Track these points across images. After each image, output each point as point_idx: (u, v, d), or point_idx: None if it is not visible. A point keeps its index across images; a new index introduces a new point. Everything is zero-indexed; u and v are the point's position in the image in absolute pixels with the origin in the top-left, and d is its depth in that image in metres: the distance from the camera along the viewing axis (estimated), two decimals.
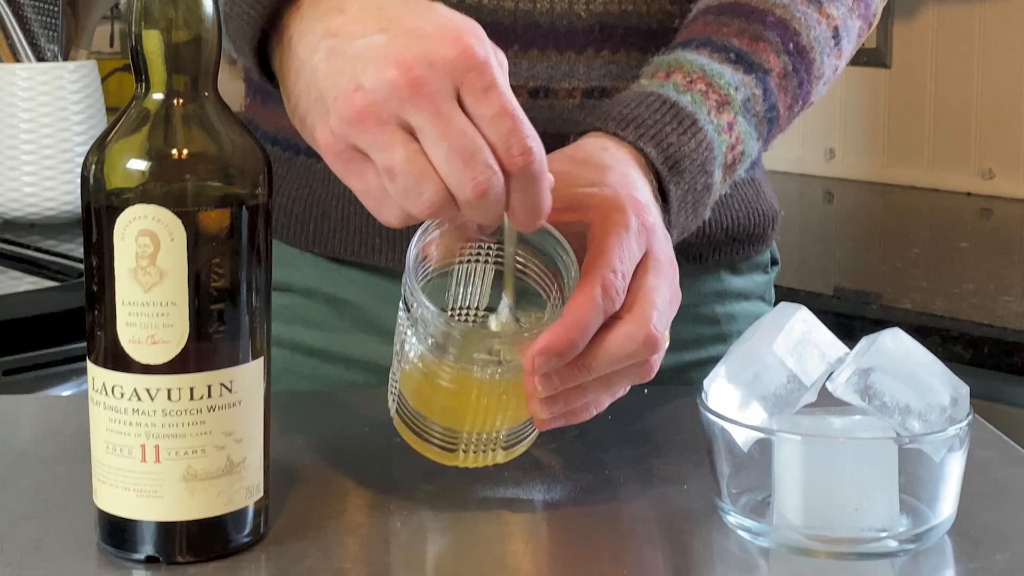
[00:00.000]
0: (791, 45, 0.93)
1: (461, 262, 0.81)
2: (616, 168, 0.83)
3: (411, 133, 0.72)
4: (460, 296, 0.83)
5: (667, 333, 0.78)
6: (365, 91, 0.72)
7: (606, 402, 0.80)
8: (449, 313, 0.82)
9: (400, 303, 0.79)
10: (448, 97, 0.71)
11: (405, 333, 0.79)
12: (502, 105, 0.72)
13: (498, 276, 0.81)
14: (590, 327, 0.75)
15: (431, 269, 0.80)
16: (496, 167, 0.72)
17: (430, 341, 0.77)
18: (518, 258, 0.80)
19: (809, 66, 0.95)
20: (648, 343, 0.77)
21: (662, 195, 0.86)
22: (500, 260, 0.81)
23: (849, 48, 0.99)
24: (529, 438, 0.83)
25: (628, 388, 0.81)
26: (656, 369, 0.79)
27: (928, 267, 2.00)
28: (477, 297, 0.82)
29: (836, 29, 0.97)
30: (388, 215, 0.75)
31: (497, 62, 0.73)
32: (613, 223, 0.78)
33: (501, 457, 0.82)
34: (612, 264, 0.76)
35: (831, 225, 2.43)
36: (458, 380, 0.78)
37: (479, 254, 0.81)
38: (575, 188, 0.80)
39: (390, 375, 0.83)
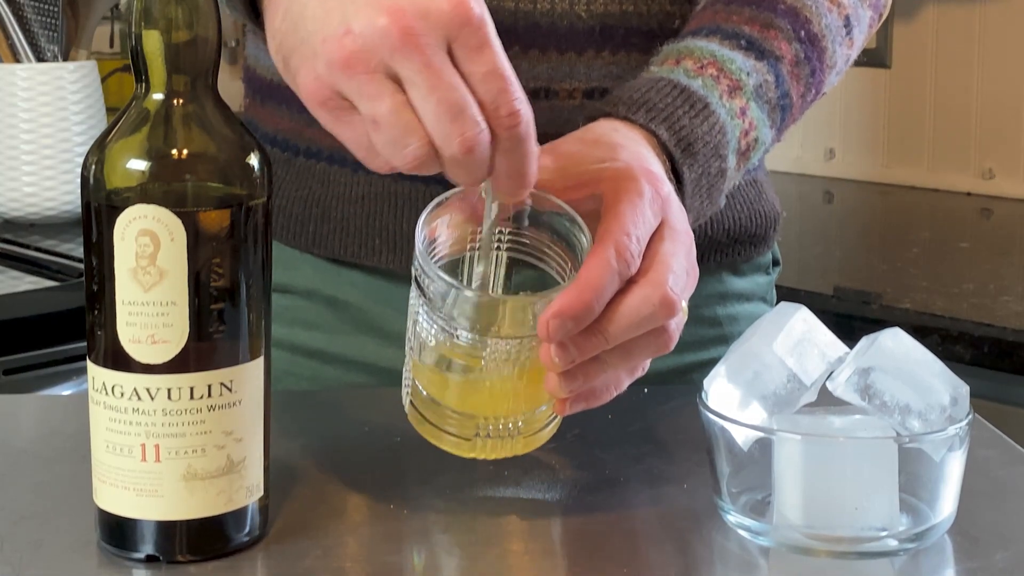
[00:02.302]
0: (802, 33, 0.93)
1: (472, 249, 0.79)
2: (628, 146, 0.82)
3: (399, 84, 0.71)
4: (474, 285, 0.82)
5: (685, 304, 0.77)
6: (355, 36, 0.70)
7: (626, 382, 0.79)
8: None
9: (412, 285, 0.78)
10: (439, 50, 0.70)
11: (418, 313, 0.77)
12: (495, 64, 0.70)
13: (512, 263, 0.79)
14: (604, 289, 0.73)
15: (441, 256, 0.78)
16: (484, 125, 0.70)
17: (442, 316, 0.76)
18: (533, 244, 0.78)
19: (821, 54, 0.94)
20: (665, 304, 0.75)
21: (676, 178, 0.85)
22: (515, 246, 0.79)
23: (860, 38, 0.99)
24: (548, 428, 0.81)
25: (647, 365, 0.79)
26: (676, 338, 0.77)
27: (928, 267, 2.01)
28: (491, 286, 0.81)
29: (847, 18, 0.96)
30: (377, 161, 0.74)
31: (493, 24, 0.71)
32: (626, 191, 0.77)
33: (520, 447, 0.80)
34: (625, 228, 0.75)
35: (831, 225, 2.43)
36: (472, 358, 0.76)
37: (490, 240, 0.79)
38: (586, 166, 0.79)
39: (404, 368, 0.82)
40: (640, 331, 0.75)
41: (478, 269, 0.78)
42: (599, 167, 0.79)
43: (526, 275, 0.80)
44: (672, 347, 0.77)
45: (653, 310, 0.75)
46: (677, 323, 0.77)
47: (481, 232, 0.79)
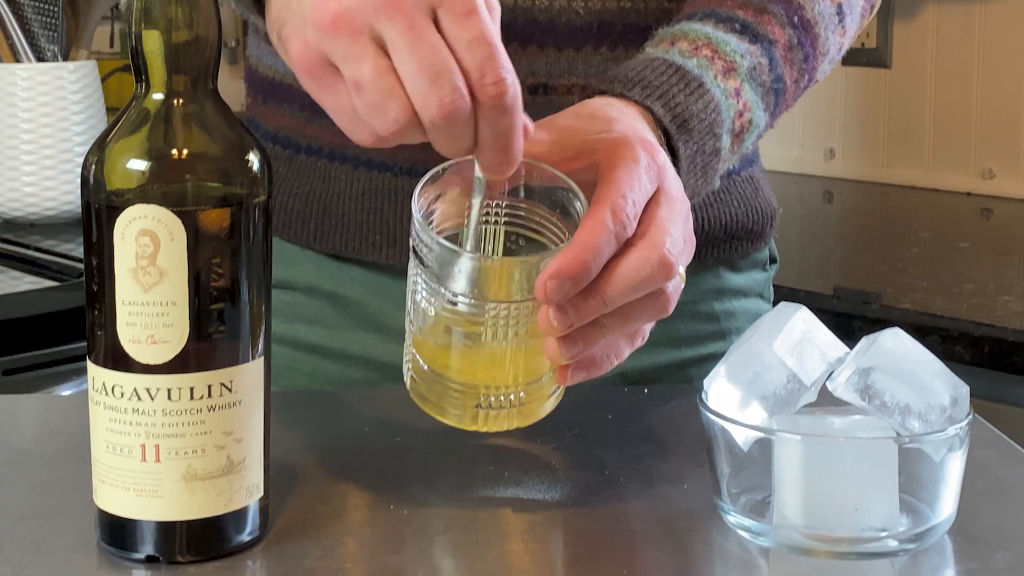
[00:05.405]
0: (795, 18, 0.93)
1: (468, 224, 0.79)
2: (623, 120, 0.82)
3: (384, 49, 0.71)
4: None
5: (683, 271, 0.76)
6: None
7: (625, 350, 0.78)
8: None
9: (410, 257, 0.77)
10: (423, 14, 0.70)
11: (416, 284, 0.77)
12: (481, 31, 0.70)
13: (510, 238, 0.79)
14: (601, 249, 0.73)
15: (438, 231, 0.78)
16: (464, 91, 0.70)
17: (441, 284, 0.75)
18: (531, 216, 0.78)
19: (814, 40, 0.94)
20: (662, 266, 0.75)
21: (671, 154, 0.85)
22: (512, 220, 0.79)
23: (853, 27, 0.99)
24: (550, 400, 0.81)
25: (647, 333, 0.79)
26: (674, 303, 0.77)
27: (928, 267, 2.01)
28: (489, 254, 0.80)
29: (839, 6, 0.97)
30: (360, 133, 0.74)
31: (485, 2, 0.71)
32: (622, 157, 0.76)
33: (522, 419, 0.80)
34: (621, 191, 0.75)
35: (831, 225, 2.43)
36: (472, 325, 0.76)
37: (487, 214, 0.79)
38: (582, 138, 0.79)
39: (404, 344, 0.81)
40: (638, 294, 0.75)
41: (468, 245, 0.77)
42: (595, 137, 0.79)
43: (525, 250, 0.80)
44: (670, 311, 0.77)
45: (651, 272, 0.75)
46: (675, 286, 0.77)
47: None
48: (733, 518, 0.77)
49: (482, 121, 0.71)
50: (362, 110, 0.72)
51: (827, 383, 0.76)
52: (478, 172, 0.75)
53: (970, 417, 0.75)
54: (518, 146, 0.73)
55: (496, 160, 0.73)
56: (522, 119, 0.73)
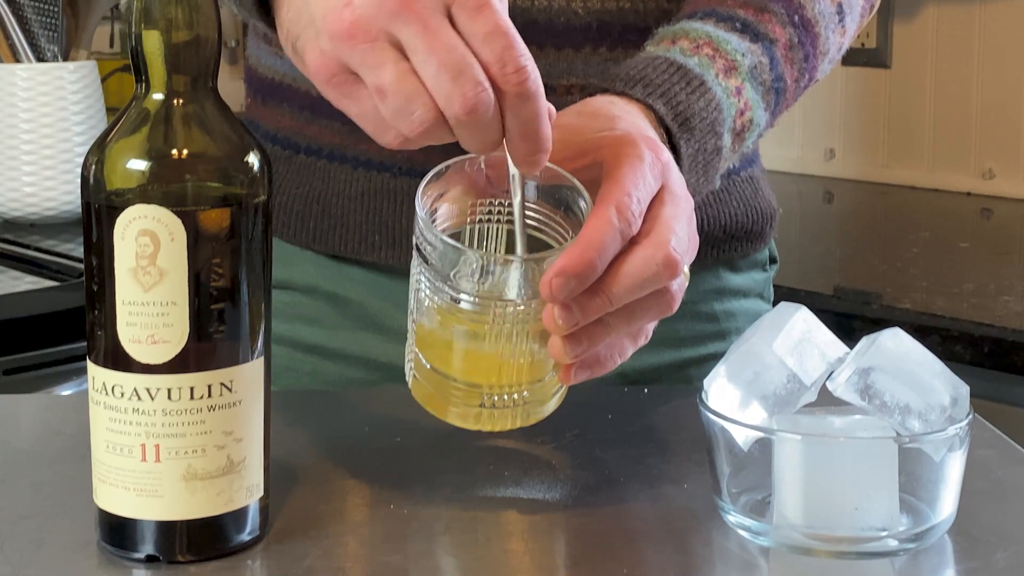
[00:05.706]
0: (796, 17, 0.93)
1: (472, 223, 0.79)
2: (625, 118, 0.82)
3: (402, 52, 0.71)
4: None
5: (687, 268, 0.77)
6: (354, 7, 0.71)
7: (629, 349, 0.79)
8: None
9: (413, 255, 0.77)
10: (437, 13, 0.70)
11: (419, 282, 0.77)
12: (496, 23, 0.70)
13: (512, 237, 0.79)
14: (606, 247, 0.73)
15: (442, 229, 0.78)
16: (487, 84, 0.70)
17: (445, 282, 0.75)
18: (535, 215, 0.78)
19: (814, 40, 0.95)
20: (668, 264, 0.75)
21: (673, 152, 0.85)
22: (515, 218, 0.79)
23: (853, 27, 0.99)
24: (554, 399, 0.81)
25: (650, 332, 0.79)
26: (678, 301, 0.77)
27: (928, 267, 2.01)
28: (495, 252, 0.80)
29: (840, 5, 0.97)
30: (387, 136, 0.74)
31: None
32: (626, 155, 0.77)
33: (525, 418, 0.80)
34: (626, 189, 0.75)
35: (831, 225, 2.43)
36: (476, 324, 0.76)
37: (491, 213, 0.79)
38: (586, 136, 0.79)
39: (407, 343, 0.81)
40: (643, 292, 0.75)
41: (518, 249, 0.76)
42: (598, 135, 0.79)
43: (529, 248, 0.80)
44: (675, 309, 0.77)
45: (656, 270, 0.75)
46: (679, 285, 0.77)
47: (482, 205, 0.78)
48: (733, 518, 0.77)
49: (508, 112, 0.72)
50: (387, 115, 0.72)
51: (827, 383, 0.76)
52: (512, 169, 0.75)
53: (970, 417, 0.75)
54: (546, 131, 0.73)
55: (527, 149, 0.73)
56: (546, 104, 0.73)
